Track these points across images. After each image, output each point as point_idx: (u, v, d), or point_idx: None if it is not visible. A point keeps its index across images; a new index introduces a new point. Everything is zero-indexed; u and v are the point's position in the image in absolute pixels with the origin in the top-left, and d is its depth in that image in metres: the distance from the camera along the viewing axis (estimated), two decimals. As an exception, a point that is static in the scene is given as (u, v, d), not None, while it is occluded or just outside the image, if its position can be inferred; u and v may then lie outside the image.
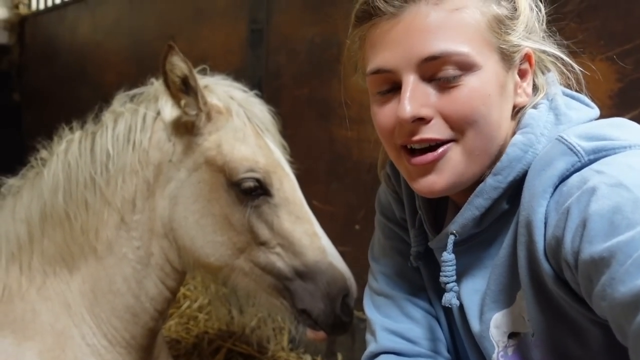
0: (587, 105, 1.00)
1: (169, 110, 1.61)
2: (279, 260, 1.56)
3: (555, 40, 1.04)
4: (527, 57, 0.97)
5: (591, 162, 0.84)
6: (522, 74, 0.98)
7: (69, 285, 1.57)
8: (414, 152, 0.95)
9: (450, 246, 0.99)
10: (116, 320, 1.58)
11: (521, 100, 0.98)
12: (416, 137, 0.92)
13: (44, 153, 1.68)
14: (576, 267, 0.78)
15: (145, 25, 3.80)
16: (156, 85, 1.68)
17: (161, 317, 1.68)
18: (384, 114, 0.96)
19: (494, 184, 0.94)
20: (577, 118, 0.95)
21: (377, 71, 0.94)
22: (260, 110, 1.70)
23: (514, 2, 0.95)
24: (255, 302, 1.66)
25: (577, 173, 0.84)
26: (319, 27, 2.52)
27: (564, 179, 0.85)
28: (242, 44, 2.92)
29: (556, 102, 0.96)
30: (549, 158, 0.87)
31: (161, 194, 1.59)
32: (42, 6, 5.30)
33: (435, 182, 0.94)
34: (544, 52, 1.00)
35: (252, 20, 2.85)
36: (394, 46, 0.91)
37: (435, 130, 0.91)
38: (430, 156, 0.92)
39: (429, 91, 0.91)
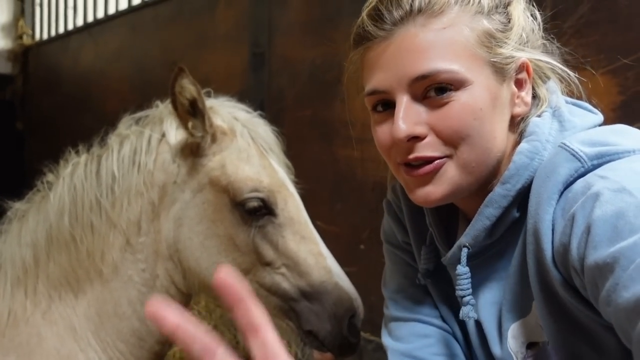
0: (590, 111, 1.01)
1: (173, 132, 1.62)
2: (285, 281, 1.54)
3: (555, 46, 1.05)
4: (523, 67, 0.98)
5: (594, 167, 0.85)
6: (519, 84, 0.99)
7: (75, 309, 1.56)
8: (411, 166, 0.97)
9: (464, 259, 0.99)
10: (122, 344, 1.57)
11: (520, 110, 0.99)
12: (412, 156, 0.94)
13: (50, 176, 1.68)
14: (583, 273, 0.78)
15: (147, 53, 3.84)
16: (161, 108, 1.69)
17: (167, 341, 1.66)
18: (382, 132, 0.98)
19: (503, 192, 0.94)
20: (582, 124, 0.96)
21: (373, 92, 0.97)
22: (264, 130, 1.71)
23: (507, 14, 0.97)
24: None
25: (582, 179, 0.84)
26: (319, 49, 2.54)
27: (568, 185, 0.86)
28: (244, 68, 2.95)
29: (560, 110, 0.97)
30: (553, 165, 0.88)
31: (166, 215, 1.59)
32: (45, 36, 5.37)
33: (431, 192, 0.95)
34: (540, 60, 1.01)
35: (254, 44, 2.88)
36: (386, 68, 0.94)
37: (429, 148, 0.94)
38: (426, 168, 0.94)
39: (422, 109, 0.93)
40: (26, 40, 5.51)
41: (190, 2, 3.48)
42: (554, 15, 1.78)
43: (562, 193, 0.85)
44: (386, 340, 1.18)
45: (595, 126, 0.97)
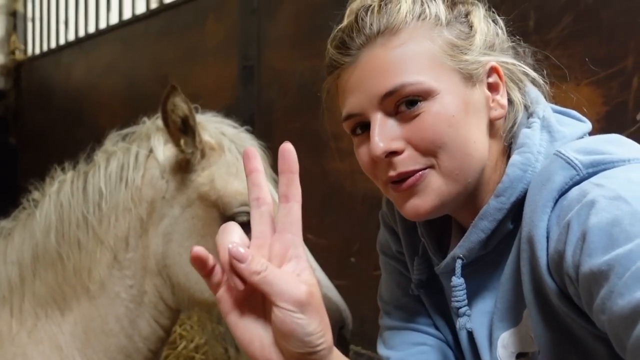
0: (578, 119, 1.01)
1: (161, 148, 1.63)
2: None
3: (521, 48, 1.06)
4: (493, 71, 0.99)
5: (590, 175, 0.84)
6: (492, 88, 0.99)
7: (61, 327, 1.55)
8: (397, 182, 0.97)
9: (458, 270, 0.99)
10: (109, 362, 1.56)
11: (497, 113, 0.99)
12: (394, 173, 0.94)
13: (35, 194, 1.68)
14: (577, 280, 0.78)
15: (138, 67, 3.85)
16: (148, 124, 1.70)
17: (155, 358, 1.65)
18: (363, 154, 0.99)
19: (498, 205, 0.95)
20: (571, 133, 0.96)
21: (349, 117, 0.99)
22: (251, 145, 1.71)
23: (468, 22, 0.98)
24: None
25: (577, 186, 0.84)
26: (308, 62, 2.55)
27: (563, 192, 0.85)
28: (234, 81, 2.96)
29: (548, 120, 0.97)
30: (548, 173, 0.88)
31: (155, 231, 1.59)
32: (37, 51, 5.38)
33: (419, 205, 0.95)
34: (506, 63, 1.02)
35: (243, 57, 2.90)
36: (356, 91, 0.96)
37: (409, 162, 0.94)
38: (409, 181, 0.94)
39: (396, 124, 0.94)
40: (18, 55, 5.51)
41: (180, 17, 3.49)
42: (538, 26, 1.80)
43: (557, 201, 0.85)
44: (381, 349, 1.18)
45: (584, 134, 0.97)
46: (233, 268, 0.73)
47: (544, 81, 1.05)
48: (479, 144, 0.96)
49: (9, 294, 1.57)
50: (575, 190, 0.84)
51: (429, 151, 0.93)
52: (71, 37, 4.85)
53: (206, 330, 2.71)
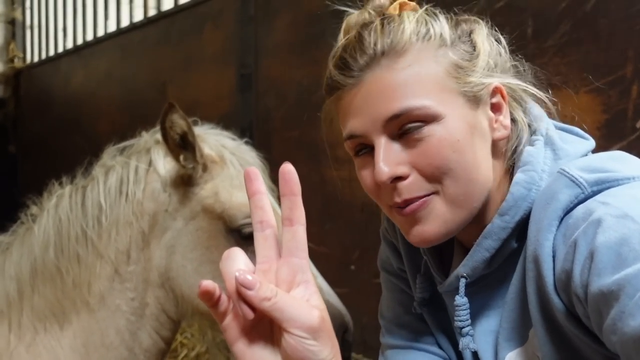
0: (582, 137, 1.00)
1: (162, 162, 1.63)
2: None
3: (528, 67, 1.04)
4: (496, 91, 0.97)
5: (595, 193, 0.84)
6: (495, 108, 0.98)
7: (60, 341, 1.55)
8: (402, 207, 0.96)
9: (462, 289, 0.98)
10: (109, 375, 1.56)
11: (500, 134, 0.98)
12: (398, 200, 0.92)
13: (34, 209, 1.68)
14: (586, 300, 0.77)
15: (136, 74, 3.85)
16: (146, 137, 1.71)
17: (156, 371, 1.65)
18: (367, 177, 0.97)
19: (502, 224, 0.93)
20: (575, 151, 0.95)
21: (350, 137, 0.96)
22: (251, 157, 1.73)
23: (471, 42, 0.96)
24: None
25: (582, 205, 0.83)
26: (306, 70, 2.55)
27: (568, 211, 0.85)
28: (232, 89, 2.96)
29: (551, 138, 0.96)
30: (552, 191, 0.87)
31: (157, 243, 1.60)
32: (36, 59, 5.38)
33: (424, 231, 0.93)
34: (509, 83, 1.01)
35: (241, 65, 2.90)
36: (359, 113, 0.94)
37: (414, 188, 0.92)
38: (413, 206, 0.92)
39: (400, 149, 0.92)
40: (17, 63, 5.53)
41: (177, 24, 3.50)
42: (536, 33, 1.80)
43: (562, 219, 0.85)
44: None
45: (588, 152, 0.96)
46: (241, 296, 0.71)
47: (548, 98, 1.03)
48: (483, 168, 0.94)
49: (7, 309, 1.57)
50: (580, 209, 0.83)
51: (435, 177, 0.91)
52: (70, 44, 4.86)
53: (207, 339, 2.70)
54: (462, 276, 0.98)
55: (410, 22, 0.93)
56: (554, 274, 0.84)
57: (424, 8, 0.97)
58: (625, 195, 0.80)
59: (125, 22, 4.09)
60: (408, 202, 0.92)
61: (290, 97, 2.65)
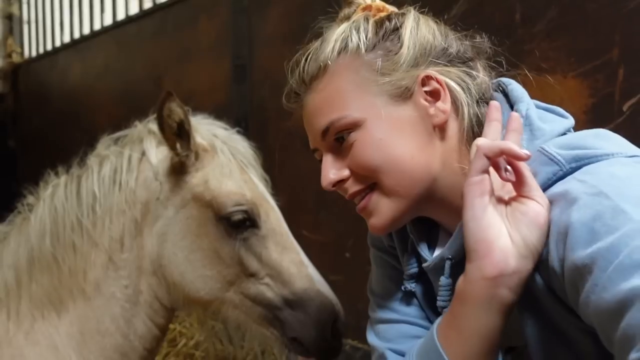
0: (561, 115, 1.02)
1: (154, 151, 1.65)
2: (269, 291, 1.58)
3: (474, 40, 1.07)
4: (428, 79, 0.99)
5: (573, 170, 0.86)
6: (433, 95, 1.00)
7: (57, 328, 1.57)
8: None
9: (447, 271, 1.00)
10: (105, 362, 1.58)
11: (438, 119, 1.00)
12: (347, 195, 1.05)
13: (30, 199, 1.70)
14: (562, 275, 0.79)
15: (132, 67, 3.86)
16: (139, 127, 1.72)
17: (150, 357, 1.67)
18: None
19: None
20: (551, 130, 0.96)
21: (313, 151, 1.11)
22: (242, 146, 1.74)
23: (399, 37, 1.01)
24: (246, 333, 1.68)
25: (561, 182, 0.86)
26: (300, 60, 2.56)
27: (546, 187, 0.87)
28: (227, 80, 2.97)
29: (530, 118, 0.98)
30: (532, 170, 0.89)
31: (149, 231, 1.61)
32: (34, 53, 5.39)
33: (374, 223, 1.04)
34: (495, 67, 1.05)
35: (236, 56, 2.90)
36: (308, 132, 1.09)
37: (354, 184, 1.04)
38: (361, 204, 1.04)
39: (337, 157, 1.04)
40: (15, 58, 5.53)
41: (172, 17, 3.50)
42: (524, 19, 1.81)
43: None
44: (374, 341, 1.19)
45: (567, 130, 0.98)
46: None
47: (517, 75, 1.07)
48: (417, 158, 0.99)
49: (6, 297, 1.59)
50: (559, 186, 0.85)
51: (367, 176, 1.01)
52: (67, 39, 4.87)
53: (205, 328, 2.73)
54: (448, 258, 1.00)
55: (331, 41, 1.04)
56: None
57: (359, 14, 1.06)
58: (603, 173, 0.82)
59: (121, 15, 4.09)
60: (353, 195, 1.05)
61: (284, 88, 2.66)
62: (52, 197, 1.64)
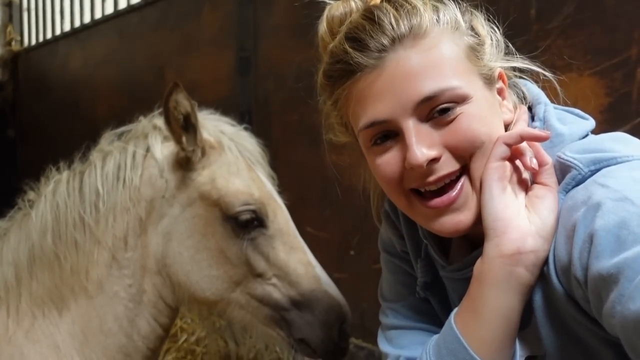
0: (581, 117, 1.00)
1: (159, 147, 1.61)
2: (276, 291, 1.56)
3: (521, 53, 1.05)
4: (500, 77, 0.99)
5: (592, 172, 0.84)
6: (499, 93, 0.99)
7: (58, 327, 1.55)
8: (423, 194, 0.95)
9: None
10: (108, 362, 1.56)
11: (507, 117, 0.99)
12: (432, 178, 0.92)
13: (31, 194, 1.67)
14: (586, 283, 0.77)
15: (134, 57, 3.82)
16: (144, 123, 1.69)
17: (154, 356, 1.65)
18: (388, 164, 0.95)
19: None
20: (571, 133, 0.95)
21: (372, 124, 0.93)
22: (250, 143, 1.71)
23: (474, 29, 0.97)
24: (252, 334, 1.66)
25: (582, 187, 0.84)
26: (305, 53, 2.52)
27: (567, 191, 0.87)
28: (230, 72, 2.93)
29: (549, 122, 0.96)
30: None
31: (154, 230, 1.58)
32: (33, 42, 5.34)
33: (460, 220, 0.93)
34: (512, 68, 1.02)
35: (240, 48, 2.86)
36: (384, 96, 0.91)
37: (447, 166, 0.92)
38: (452, 196, 0.92)
39: (431, 131, 0.91)
40: (15, 46, 5.48)
41: (175, 6, 3.45)
42: (539, 15, 1.77)
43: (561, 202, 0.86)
44: (386, 348, 1.16)
45: (587, 132, 0.96)
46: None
47: (555, 79, 1.03)
48: None
49: (5, 295, 1.56)
50: (580, 192, 0.83)
51: (468, 153, 0.92)
52: (67, 27, 4.82)
53: (206, 324, 2.71)
54: None
55: (425, 7, 0.93)
56: (554, 258, 0.84)
57: None
58: (625, 177, 0.80)
59: (123, 4, 4.04)
60: (441, 179, 0.92)
61: (289, 81, 2.62)
62: (54, 193, 1.61)
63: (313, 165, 2.45)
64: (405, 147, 0.91)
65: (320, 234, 2.40)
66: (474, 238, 0.98)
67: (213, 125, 1.67)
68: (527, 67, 1.02)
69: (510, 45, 1.03)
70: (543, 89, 1.04)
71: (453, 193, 0.92)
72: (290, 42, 2.62)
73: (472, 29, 0.97)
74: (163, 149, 1.61)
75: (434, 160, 0.91)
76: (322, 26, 1.01)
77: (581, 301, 0.81)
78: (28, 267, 1.56)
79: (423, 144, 0.90)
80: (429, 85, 0.89)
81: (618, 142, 0.89)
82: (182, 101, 1.52)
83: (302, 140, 2.51)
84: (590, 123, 0.98)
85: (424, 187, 0.93)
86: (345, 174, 2.34)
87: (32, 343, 1.52)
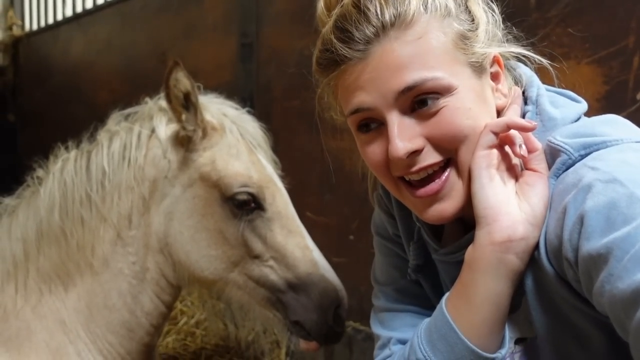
0: (574, 100, 1.00)
1: (163, 128, 1.64)
2: (272, 273, 1.58)
3: (516, 35, 1.05)
4: (495, 61, 0.99)
5: (582, 157, 0.85)
6: (494, 77, 0.99)
7: (64, 302, 1.58)
8: (411, 183, 0.96)
9: None
10: (111, 336, 1.59)
11: (501, 102, 0.99)
12: (415, 168, 0.93)
13: (40, 172, 1.69)
14: (576, 264, 0.79)
15: (136, 43, 3.82)
16: (150, 104, 1.71)
17: (157, 332, 1.69)
18: (373, 152, 0.96)
19: None
20: (563, 117, 0.95)
21: (357, 110, 0.95)
22: (252, 127, 1.73)
23: (471, 13, 0.96)
24: (249, 314, 1.69)
25: (572, 170, 0.85)
26: (307, 39, 2.53)
27: (557, 175, 0.87)
28: (233, 58, 2.95)
29: (542, 106, 0.97)
30: None
31: (156, 209, 1.61)
32: (35, 26, 5.32)
33: (444, 209, 0.95)
34: (509, 52, 1.02)
35: (242, 34, 2.87)
36: (368, 86, 0.92)
37: (429, 157, 0.93)
38: (435, 186, 0.94)
39: (413, 122, 0.92)
40: (16, 31, 5.46)
41: (178, -8, 3.46)
42: (539, 3, 1.79)
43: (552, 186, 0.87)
44: (378, 329, 1.18)
45: (580, 115, 0.97)
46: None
47: (551, 65, 1.04)
48: None
49: (14, 270, 1.59)
50: (570, 174, 0.85)
51: (450, 146, 0.92)
52: (69, 12, 4.80)
53: (206, 306, 2.73)
54: None
55: None
56: (546, 241, 0.86)
57: None
58: (614, 159, 0.81)
59: (125, -10, 4.04)
60: (423, 170, 0.93)
61: (291, 67, 2.63)
62: (62, 171, 1.64)
63: (314, 151, 2.47)
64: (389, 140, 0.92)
65: (320, 218, 2.42)
66: (469, 220, 1.00)
67: (216, 108, 1.69)
68: (524, 53, 1.02)
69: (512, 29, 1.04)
70: (541, 76, 1.05)
71: (437, 183, 0.93)
72: (292, 28, 2.63)
73: (467, 10, 0.96)
74: (167, 129, 1.64)
75: (416, 152, 0.91)
76: (320, 5, 1.02)
77: (572, 282, 0.83)
78: (36, 242, 1.60)
79: (404, 137, 0.91)
80: (411, 76, 0.89)
81: (608, 125, 0.90)
82: (182, 79, 1.55)
83: (304, 126, 2.53)
84: (583, 106, 0.99)
85: (408, 176, 0.95)
86: (346, 159, 2.37)
87: (39, 318, 1.56)
